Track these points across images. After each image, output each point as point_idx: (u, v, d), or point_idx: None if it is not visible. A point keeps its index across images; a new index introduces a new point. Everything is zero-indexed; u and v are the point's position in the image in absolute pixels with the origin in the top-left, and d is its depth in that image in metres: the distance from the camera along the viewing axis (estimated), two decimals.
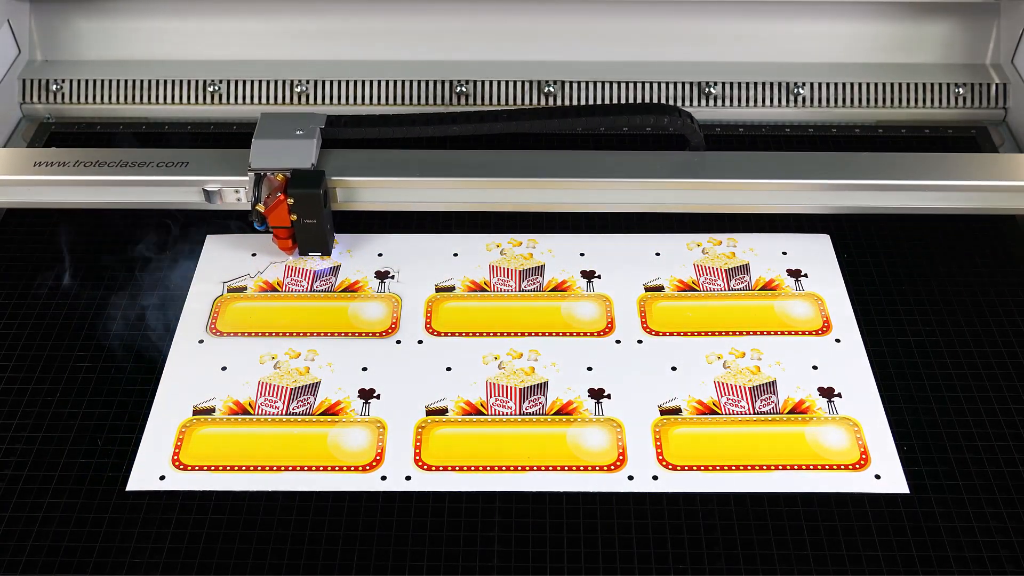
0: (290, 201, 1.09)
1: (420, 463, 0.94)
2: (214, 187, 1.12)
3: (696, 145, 1.17)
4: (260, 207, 1.10)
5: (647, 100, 1.34)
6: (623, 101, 1.34)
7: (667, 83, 1.34)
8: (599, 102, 1.34)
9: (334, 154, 1.14)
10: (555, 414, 0.98)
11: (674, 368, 1.02)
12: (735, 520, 0.89)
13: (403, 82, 1.34)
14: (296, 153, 1.11)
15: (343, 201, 1.13)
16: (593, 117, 1.17)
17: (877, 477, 0.92)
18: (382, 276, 1.13)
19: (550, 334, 1.06)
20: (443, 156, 1.16)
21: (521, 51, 1.37)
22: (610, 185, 1.13)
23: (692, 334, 1.06)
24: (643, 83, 1.34)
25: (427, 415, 0.98)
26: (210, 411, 0.99)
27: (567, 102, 1.34)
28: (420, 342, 1.05)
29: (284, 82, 1.35)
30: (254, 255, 1.15)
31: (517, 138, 1.24)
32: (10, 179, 1.14)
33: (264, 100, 1.34)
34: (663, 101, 1.34)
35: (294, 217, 1.10)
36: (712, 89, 1.34)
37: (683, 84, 1.34)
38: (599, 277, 1.12)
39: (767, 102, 1.34)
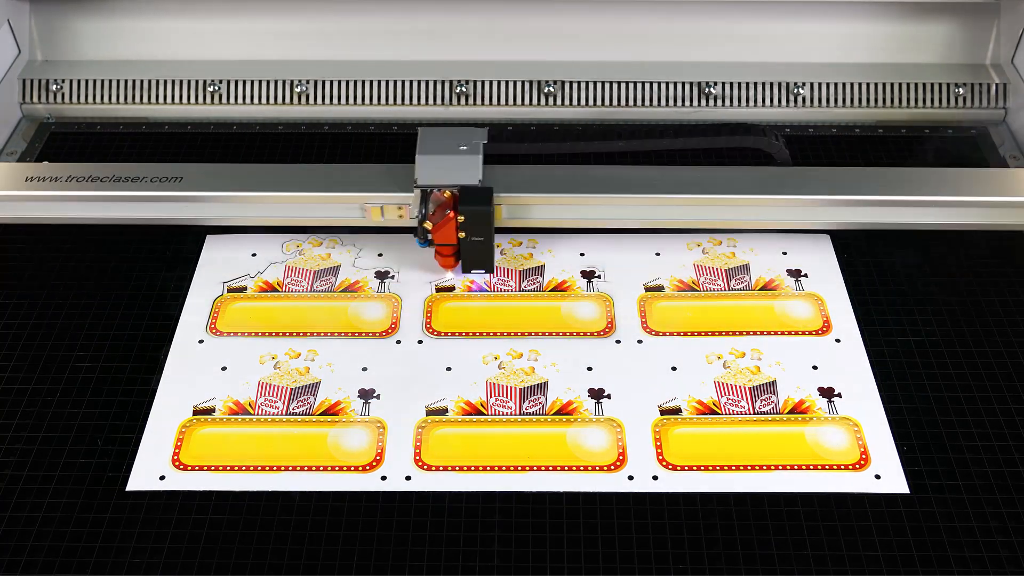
0: (460, 218, 1.06)
1: (420, 463, 0.94)
2: (377, 203, 1.09)
3: (782, 162, 1.19)
4: (428, 224, 1.07)
5: (647, 100, 1.34)
6: (623, 101, 1.34)
7: (667, 83, 1.34)
8: (598, 102, 1.34)
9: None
10: (555, 414, 0.98)
11: (674, 368, 1.02)
12: (735, 520, 0.89)
13: (403, 82, 1.34)
14: (462, 169, 1.08)
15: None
16: (705, 137, 1.19)
17: (877, 477, 0.92)
18: (382, 276, 1.13)
19: (550, 334, 1.06)
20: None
21: (521, 51, 1.37)
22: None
23: (692, 334, 1.06)
24: (643, 83, 1.34)
25: (427, 415, 0.98)
26: (210, 411, 0.99)
27: (567, 102, 1.34)
28: (420, 342, 1.05)
29: (284, 82, 1.35)
30: (254, 255, 1.15)
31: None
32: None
33: (264, 100, 1.35)
34: (663, 101, 1.34)
35: (462, 235, 1.07)
36: (712, 89, 1.34)
37: (683, 84, 1.34)
38: (599, 277, 1.12)
39: (767, 102, 1.34)
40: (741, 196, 1.11)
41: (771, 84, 1.34)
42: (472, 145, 1.11)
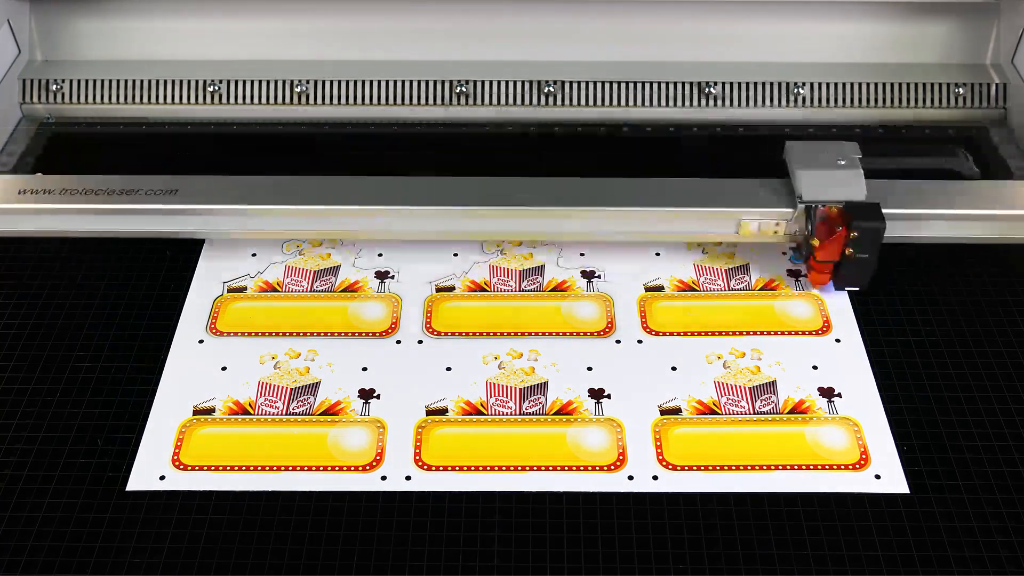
0: (853, 234, 1.03)
1: (420, 463, 0.94)
2: (755, 219, 1.07)
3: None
4: (815, 241, 1.04)
5: (647, 100, 1.34)
6: (622, 101, 1.34)
7: (667, 83, 1.34)
8: (598, 102, 1.34)
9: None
10: (555, 414, 0.98)
11: (674, 368, 1.02)
12: (735, 520, 0.89)
13: (403, 82, 1.34)
14: (847, 184, 1.05)
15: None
16: None
17: (877, 477, 0.93)
18: (382, 276, 1.13)
19: (550, 334, 1.06)
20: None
21: (521, 51, 1.37)
22: None
23: (692, 334, 1.06)
24: (643, 83, 1.34)
25: (427, 415, 0.98)
26: (210, 411, 0.99)
27: (567, 102, 1.34)
28: (420, 342, 1.05)
29: (284, 82, 1.34)
30: (254, 255, 1.15)
31: None
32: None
33: (264, 100, 1.34)
34: (663, 102, 1.34)
35: (849, 251, 1.04)
36: (712, 89, 1.34)
37: (683, 84, 1.34)
38: (599, 277, 1.12)
39: (767, 102, 1.34)
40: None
41: (771, 84, 1.34)
42: (850, 159, 1.07)
